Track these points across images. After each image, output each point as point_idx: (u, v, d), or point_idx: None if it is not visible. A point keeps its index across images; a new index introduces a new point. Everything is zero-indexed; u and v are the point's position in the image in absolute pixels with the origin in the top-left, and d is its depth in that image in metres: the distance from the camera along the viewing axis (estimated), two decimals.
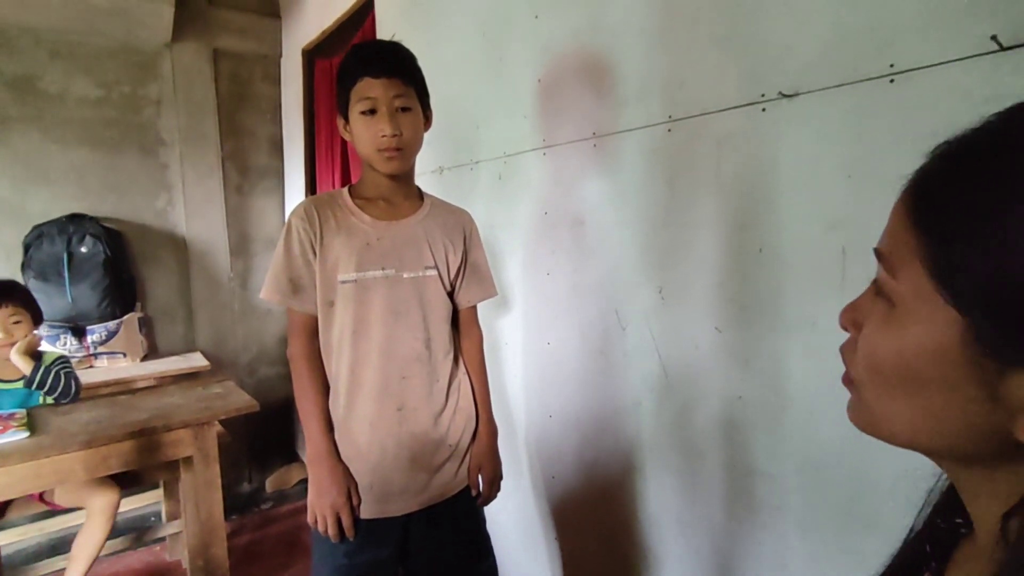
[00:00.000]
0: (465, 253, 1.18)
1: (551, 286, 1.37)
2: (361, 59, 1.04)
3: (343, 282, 1.05)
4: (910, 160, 0.76)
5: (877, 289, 0.40)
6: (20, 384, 1.70)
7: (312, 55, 2.79)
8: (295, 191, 3.04)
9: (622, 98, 1.14)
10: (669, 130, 1.05)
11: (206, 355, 2.79)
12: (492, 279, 1.25)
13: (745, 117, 0.92)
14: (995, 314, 0.31)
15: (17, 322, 1.66)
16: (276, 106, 3.16)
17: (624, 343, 1.19)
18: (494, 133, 1.52)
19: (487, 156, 1.55)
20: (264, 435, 3.04)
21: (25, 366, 1.66)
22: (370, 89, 1.01)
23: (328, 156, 2.69)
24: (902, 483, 0.59)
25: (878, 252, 0.40)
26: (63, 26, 2.55)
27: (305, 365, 1.07)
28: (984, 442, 0.34)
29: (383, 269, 1.07)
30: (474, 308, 1.23)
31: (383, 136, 1.01)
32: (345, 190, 1.12)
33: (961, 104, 0.68)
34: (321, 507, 1.03)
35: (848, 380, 0.42)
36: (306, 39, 2.75)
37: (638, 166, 1.12)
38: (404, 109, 1.03)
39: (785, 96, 0.86)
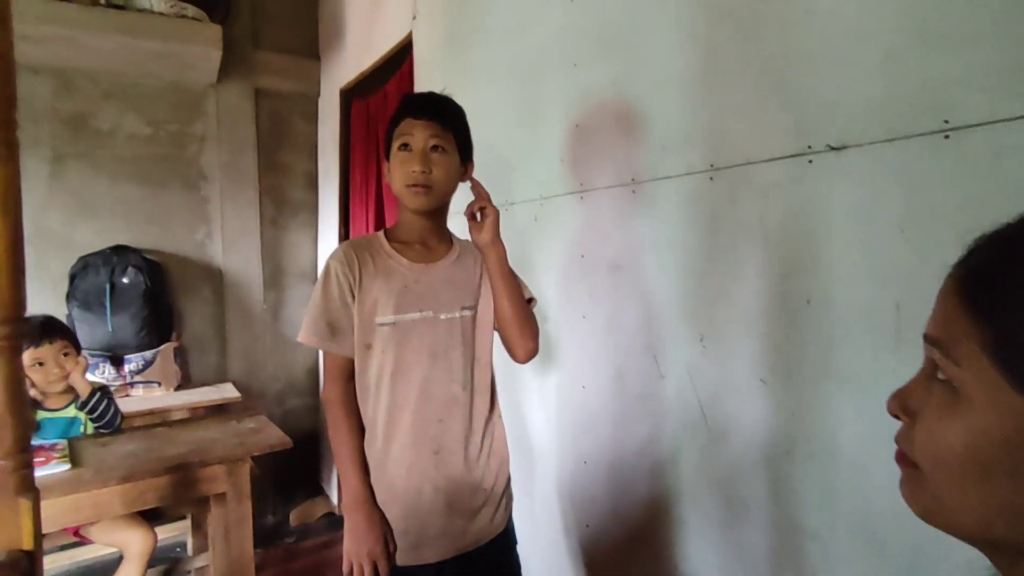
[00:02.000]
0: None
1: (587, 329, 1.37)
2: (407, 103, 1.10)
3: (381, 324, 1.06)
4: (967, 217, 0.75)
5: (930, 374, 0.40)
6: (66, 412, 1.76)
7: (349, 95, 2.88)
8: (328, 225, 3.11)
9: (661, 145, 1.15)
10: (711, 178, 1.05)
11: (237, 385, 2.83)
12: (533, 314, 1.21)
13: (791, 168, 0.91)
14: None
15: (66, 354, 1.73)
16: (313, 143, 3.27)
17: (663, 390, 1.17)
18: (530, 176, 1.54)
19: (522, 198, 1.57)
20: (289, 467, 3.04)
21: (84, 387, 1.74)
22: (409, 128, 1.06)
23: (362, 192, 2.75)
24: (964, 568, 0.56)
25: (931, 338, 0.39)
26: (118, 68, 2.70)
27: (342, 410, 1.08)
28: None
29: (420, 311, 1.08)
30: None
31: (412, 171, 1.04)
32: (381, 234, 1.14)
33: (1018, 163, 0.67)
34: (358, 555, 1.02)
35: (903, 460, 0.41)
36: (344, 80, 2.85)
37: (679, 213, 1.12)
38: (437, 148, 1.06)
39: (833, 149, 0.85)
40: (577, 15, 1.35)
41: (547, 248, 1.49)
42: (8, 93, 0.80)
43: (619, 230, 1.26)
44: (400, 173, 1.05)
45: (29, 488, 0.79)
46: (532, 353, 1.17)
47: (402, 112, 1.08)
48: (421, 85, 2.10)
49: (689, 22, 1.08)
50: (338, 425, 1.08)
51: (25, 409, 0.79)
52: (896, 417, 0.43)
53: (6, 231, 0.76)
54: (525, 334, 1.15)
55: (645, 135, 1.18)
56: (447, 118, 1.08)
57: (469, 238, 1.17)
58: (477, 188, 1.13)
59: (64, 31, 2.30)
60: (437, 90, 1.14)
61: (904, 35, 0.77)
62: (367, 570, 1.02)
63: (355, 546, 1.03)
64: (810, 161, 0.89)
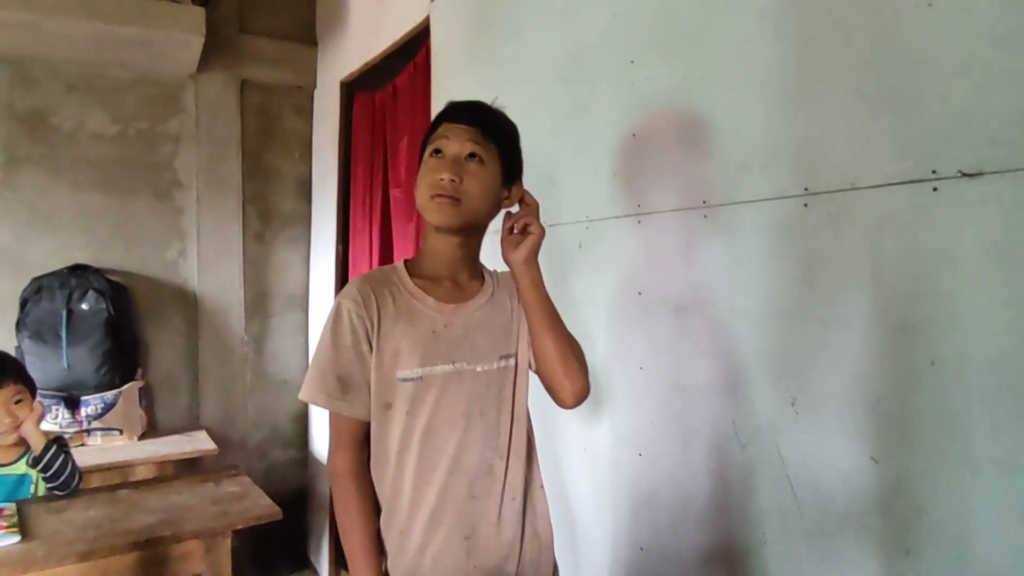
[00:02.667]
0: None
1: (645, 383, 1.35)
2: (448, 108, 1.11)
3: (404, 380, 1.05)
4: None
5: None
6: (15, 468, 1.78)
7: (351, 87, 2.94)
8: (324, 242, 3.15)
9: (742, 163, 1.14)
10: (805, 204, 1.03)
11: (212, 434, 2.86)
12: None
13: (910, 196, 0.90)
14: None
15: (18, 401, 1.76)
16: (307, 144, 3.33)
17: (743, 464, 1.15)
18: (574, 193, 1.54)
19: (565, 219, 1.57)
20: (272, 535, 3.04)
21: (38, 440, 1.75)
22: (445, 131, 1.07)
23: (365, 203, 2.78)
24: None
25: None
26: (84, 58, 2.80)
27: (353, 484, 1.07)
28: None
29: (453, 363, 1.07)
30: None
31: (440, 179, 1.03)
32: (401, 266, 1.14)
33: None
34: None
35: None
36: (346, 70, 2.90)
37: (763, 245, 1.11)
38: (474, 157, 1.06)
39: (965, 175, 0.83)
40: (636, 1, 1.36)
41: (594, 282, 1.48)
42: None
43: (687, 264, 1.25)
44: (427, 180, 1.05)
45: None
46: (583, 394, 1.14)
47: (442, 117, 1.10)
48: (440, 79, 2.12)
49: (776, 14, 1.08)
50: (348, 504, 1.07)
51: None
52: None
53: None
54: (571, 371, 1.12)
55: (720, 149, 1.17)
56: (491, 127, 1.09)
57: (497, 260, 1.16)
58: (526, 198, 1.13)
59: (25, 15, 2.39)
60: (478, 93, 1.14)
61: None
62: None
63: None
64: (935, 188, 0.87)
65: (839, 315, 0.99)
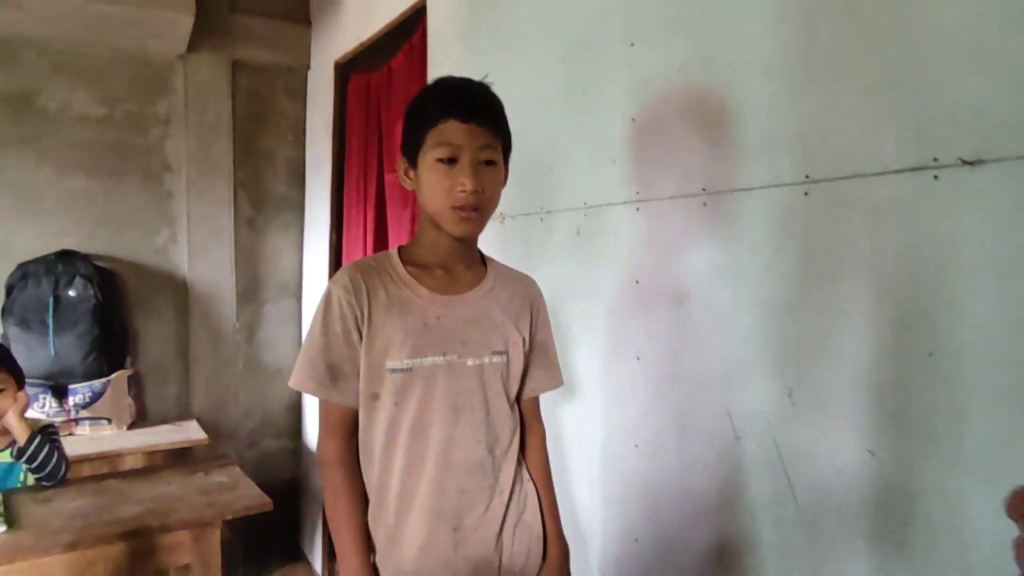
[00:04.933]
0: (532, 332, 1.20)
1: (642, 374, 1.36)
2: (448, 97, 1.06)
3: (393, 371, 1.06)
4: None
5: None
6: (1, 457, 1.79)
7: (346, 69, 2.94)
8: (317, 227, 3.15)
9: (743, 149, 1.14)
10: (806, 192, 1.04)
11: (202, 423, 2.88)
12: (558, 364, 1.27)
13: (912, 185, 0.90)
14: None
15: (1, 391, 1.76)
16: (300, 127, 3.33)
17: (738, 456, 1.16)
18: (573, 179, 1.55)
19: (563, 206, 1.57)
20: (264, 526, 3.07)
21: (21, 432, 1.76)
22: (454, 134, 1.03)
23: (359, 187, 2.79)
24: None
25: None
26: (69, 37, 2.79)
27: (341, 473, 1.08)
28: None
29: (444, 355, 1.08)
30: (537, 399, 1.25)
31: (462, 191, 1.02)
32: (395, 254, 1.15)
33: None
34: None
35: None
36: (340, 51, 2.90)
37: (763, 234, 1.11)
38: (489, 163, 1.06)
39: (967, 163, 0.84)
40: None
41: (592, 269, 1.49)
42: None
43: (685, 252, 1.26)
44: (442, 188, 1.04)
45: None
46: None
47: (443, 108, 1.05)
48: (436, 60, 2.12)
49: None
50: (337, 493, 1.08)
51: None
52: (1015, 520, 0.42)
53: None
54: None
55: (721, 135, 1.18)
56: (499, 123, 1.09)
57: (503, 250, 1.17)
58: None
59: None
60: (476, 76, 1.12)
61: None
62: None
63: None
64: (936, 177, 0.87)
65: (838, 305, 1.00)
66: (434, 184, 1.05)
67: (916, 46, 0.90)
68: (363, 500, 1.10)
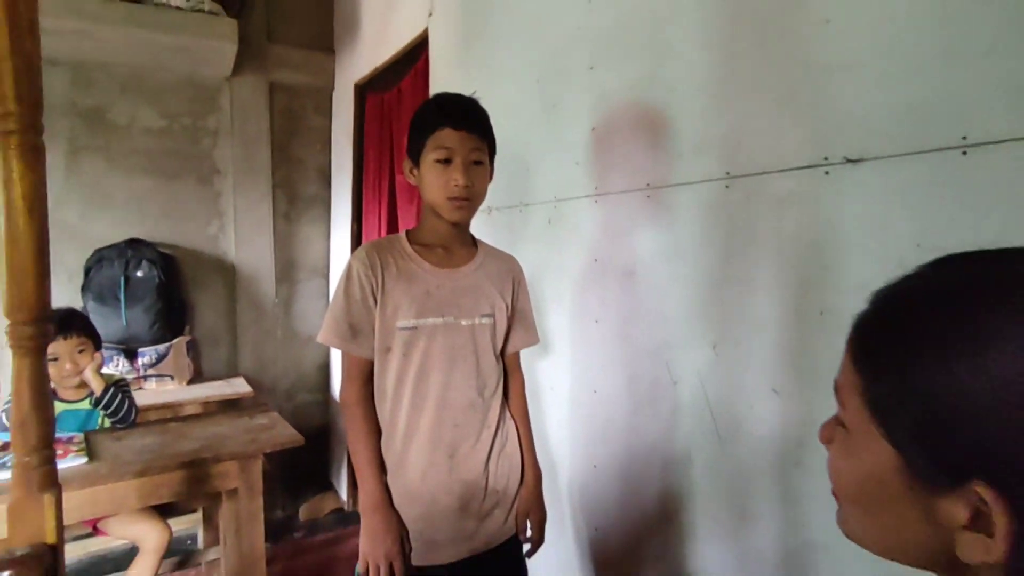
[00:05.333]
0: (513, 300, 1.22)
1: (599, 334, 1.39)
2: (444, 110, 1.09)
3: (402, 328, 1.08)
4: (982, 234, 0.76)
5: (839, 414, 0.45)
6: (84, 404, 1.81)
7: (363, 89, 2.91)
8: (341, 220, 3.15)
9: (678, 151, 1.16)
10: (727, 186, 1.06)
11: (248, 380, 2.89)
12: (535, 326, 1.29)
13: (807, 179, 0.92)
14: (921, 447, 0.36)
15: (81, 351, 1.77)
16: (326, 138, 3.31)
17: (674, 397, 1.19)
18: (545, 177, 1.56)
19: (537, 200, 1.59)
20: (299, 462, 3.09)
21: (98, 384, 1.77)
22: (449, 139, 1.06)
23: (375, 187, 2.78)
24: None
25: (835, 382, 0.46)
26: (134, 62, 2.75)
27: (360, 412, 1.11)
28: (936, 560, 0.38)
29: (443, 317, 1.10)
30: (518, 354, 1.27)
31: (455, 185, 1.05)
32: (403, 236, 1.17)
33: None
34: (375, 556, 1.05)
35: (833, 492, 0.46)
36: (359, 74, 2.88)
37: (693, 220, 1.13)
38: (477, 163, 1.08)
39: (850, 161, 0.86)
40: (595, 17, 1.36)
41: (561, 251, 1.51)
42: (35, 98, 0.84)
43: (633, 235, 1.28)
44: (439, 184, 1.06)
45: (52, 484, 0.83)
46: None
47: (439, 118, 1.07)
48: (437, 82, 2.12)
49: (707, 28, 1.09)
50: (356, 427, 1.11)
51: (48, 407, 0.83)
52: (826, 445, 0.48)
53: (32, 235, 0.80)
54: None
55: (661, 140, 1.19)
56: (486, 130, 1.12)
57: (490, 237, 1.20)
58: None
59: (82, 24, 2.35)
60: (467, 93, 1.14)
61: (924, 48, 0.78)
62: (383, 571, 1.05)
63: (372, 547, 1.06)
64: (826, 172, 0.90)
65: (751, 276, 1.02)
66: (433, 180, 1.07)
67: (812, 70, 0.92)
68: (377, 433, 1.13)
